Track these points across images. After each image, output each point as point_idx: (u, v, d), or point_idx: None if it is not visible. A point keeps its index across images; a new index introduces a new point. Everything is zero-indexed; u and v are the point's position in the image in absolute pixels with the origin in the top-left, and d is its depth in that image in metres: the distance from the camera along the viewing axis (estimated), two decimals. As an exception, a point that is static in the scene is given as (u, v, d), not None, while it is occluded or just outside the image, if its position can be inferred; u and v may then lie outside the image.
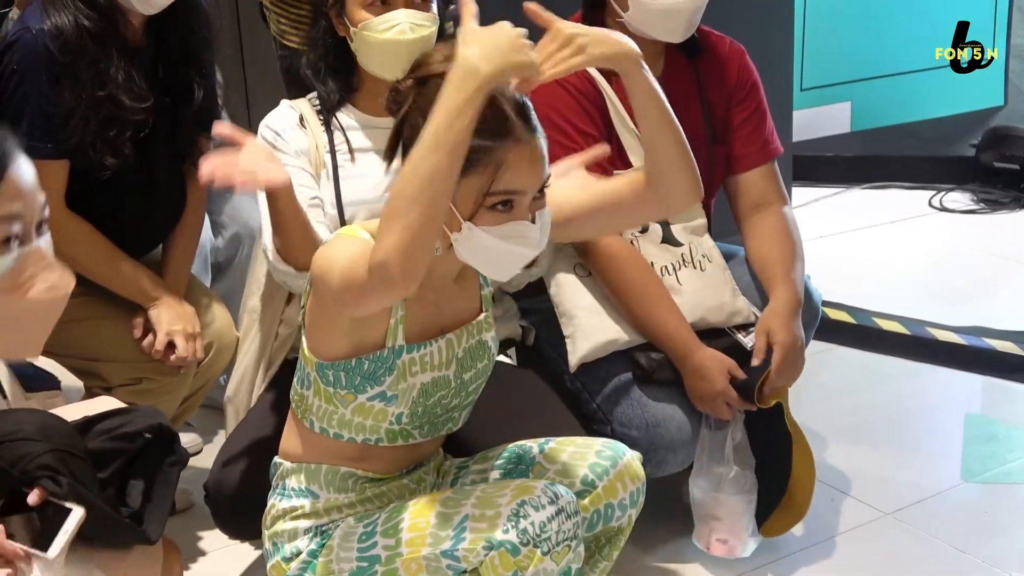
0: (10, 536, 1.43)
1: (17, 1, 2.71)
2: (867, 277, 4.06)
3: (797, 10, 4.32)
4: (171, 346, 2.32)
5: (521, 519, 1.67)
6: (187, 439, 2.83)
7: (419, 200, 1.55)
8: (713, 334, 2.38)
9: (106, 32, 2.22)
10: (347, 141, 2.20)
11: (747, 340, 2.37)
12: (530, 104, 1.70)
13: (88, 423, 1.58)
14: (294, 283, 2.09)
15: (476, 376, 1.88)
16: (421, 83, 1.72)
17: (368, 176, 2.15)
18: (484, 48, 1.57)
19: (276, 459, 1.92)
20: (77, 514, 1.45)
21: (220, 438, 2.72)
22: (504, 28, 1.61)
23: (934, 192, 4.88)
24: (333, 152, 2.20)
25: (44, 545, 1.44)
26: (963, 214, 4.70)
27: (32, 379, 2.27)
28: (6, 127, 1.41)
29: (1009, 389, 3.26)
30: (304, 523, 1.84)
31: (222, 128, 1.99)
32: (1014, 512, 2.68)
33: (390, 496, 1.88)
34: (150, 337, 2.32)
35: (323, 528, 1.84)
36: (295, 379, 1.88)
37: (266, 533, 1.89)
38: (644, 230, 2.40)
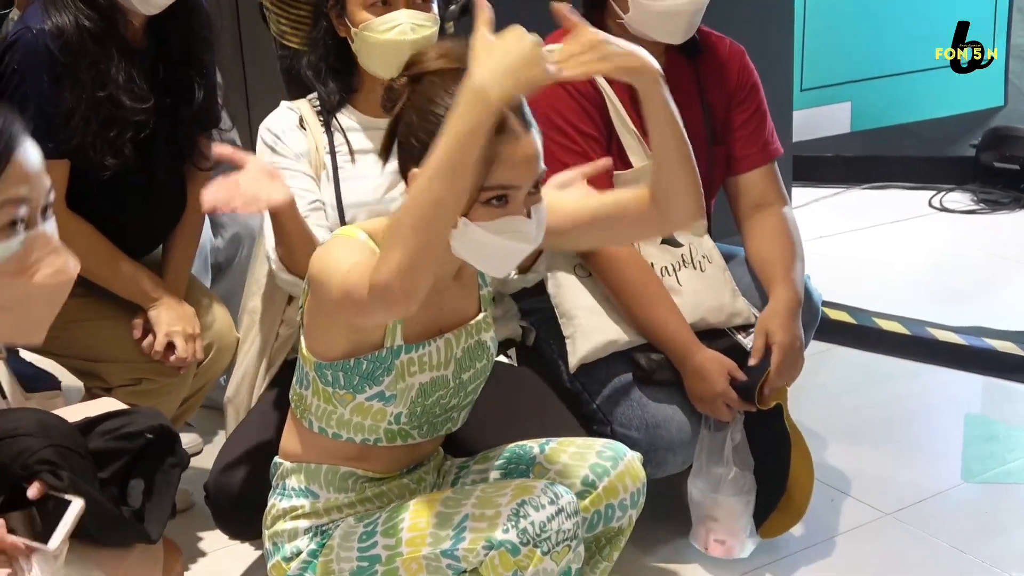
0: (11, 531, 1.43)
1: (17, 2, 2.71)
2: (867, 277, 4.06)
3: (797, 10, 4.32)
4: (171, 347, 2.32)
5: (521, 519, 1.67)
6: (187, 439, 2.83)
7: (425, 223, 1.54)
8: (713, 335, 2.38)
9: (107, 32, 2.22)
10: (347, 142, 2.20)
11: (747, 341, 2.37)
12: (524, 100, 1.70)
13: (89, 424, 1.58)
14: (297, 291, 2.09)
15: (475, 376, 1.88)
16: (415, 80, 1.73)
17: (369, 177, 2.15)
18: (495, 68, 1.54)
19: (276, 459, 1.92)
20: (77, 505, 1.44)
21: (220, 438, 2.72)
22: (517, 39, 1.57)
23: (934, 192, 4.88)
24: (333, 153, 2.20)
25: (44, 538, 1.44)
26: (963, 214, 4.70)
27: (32, 380, 2.27)
28: (12, 112, 1.41)
29: (1009, 389, 3.26)
30: (304, 523, 1.85)
31: (222, 149, 1.99)
32: (1014, 512, 2.68)
33: (390, 496, 1.88)
34: (150, 338, 2.32)
35: (323, 528, 1.84)
36: (294, 379, 1.88)
37: (266, 533, 1.89)
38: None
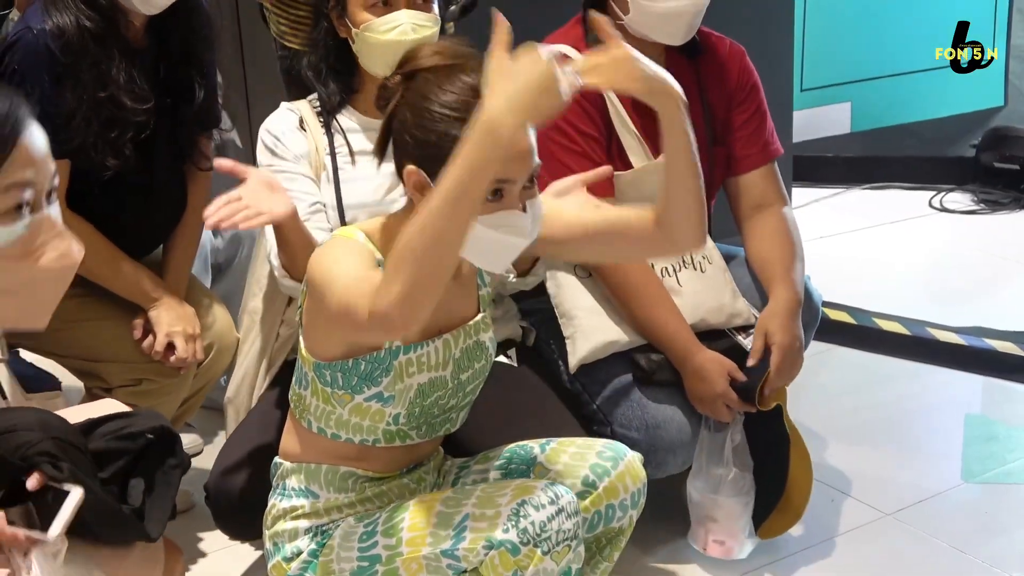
0: (10, 524, 1.43)
1: (17, 3, 2.71)
2: (867, 277, 4.06)
3: (797, 11, 4.32)
4: (171, 347, 2.31)
5: (521, 519, 1.67)
6: (188, 440, 2.83)
7: (428, 253, 1.52)
8: (713, 336, 2.38)
9: (107, 33, 2.22)
10: (347, 143, 2.20)
11: (747, 342, 2.37)
12: None
13: (90, 425, 1.58)
14: (298, 294, 2.09)
15: (473, 377, 1.88)
16: (409, 78, 1.73)
17: (369, 179, 2.15)
18: (509, 99, 1.50)
19: (276, 459, 1.92)
20: (76, 494, 1.44)
21: (220, 439, 2.72)
22: (532, 65, 1.52)
23: (934, 192, 4.88)
24: (333, 154, 2.20)
25: (44, 529, 1.44)
26: (963, 214, 4.70)
27: (33, 380, 2.27)
28: (19, 96, 1.41)
29: (1009, 389, 3.26)
30: (304, 523, 1.85)
31: (223, 162, 2.00)
32: (1014, 512, 2.69)
33: (390, 496, 1.88)
34: (150, 338, 2.32)
35: (323, 528, 1.84)
36: (293, 379, 1.89)
37: (267, 533, 1.89)
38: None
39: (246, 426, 2.23)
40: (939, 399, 3.27)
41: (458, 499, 1.75)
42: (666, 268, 2.39)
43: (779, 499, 2.37)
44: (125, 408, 1.69)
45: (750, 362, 2.31)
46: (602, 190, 2.24)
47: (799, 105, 4.50)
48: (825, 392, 3.22)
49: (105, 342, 2.33)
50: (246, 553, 2.43)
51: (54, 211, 1.42)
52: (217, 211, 1.89)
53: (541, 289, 2.40)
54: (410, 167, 1.71)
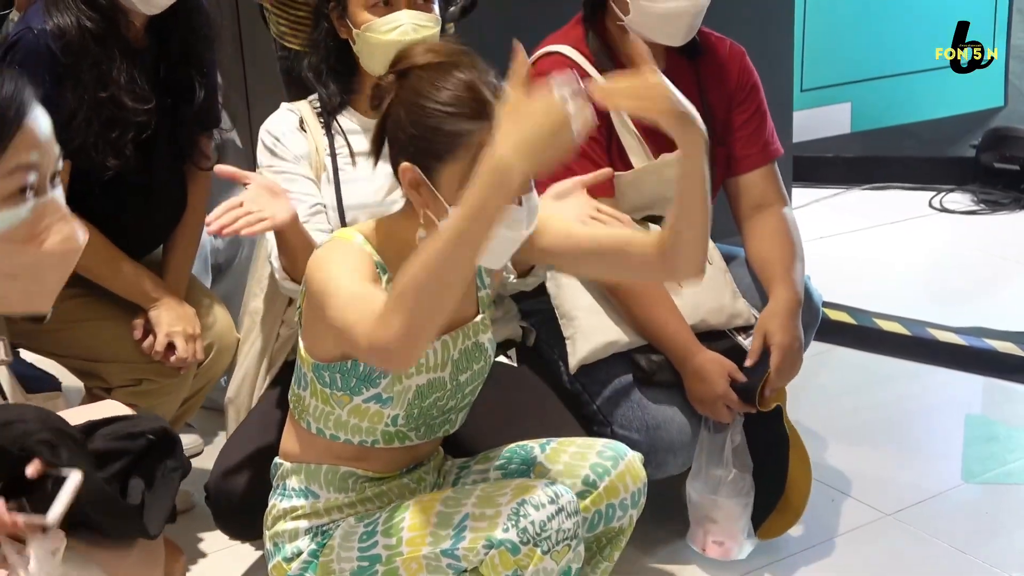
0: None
1: (17, 3, 2.71)
2: (867, 278, 4.06)
3: (797, 11, 4.32)
4: (171, 347, 2.32)
5: (521, 518, 1.67)
6: (188, 440, 2.83)
7: (430, 291, 1.51)
8: (713, 336, 2.38)
9: (108, 33, 2.22)
10: (348, 144, 2.20)
11: (747, 342, 2.37)
12: (504, 87, 1.71)
13: (92, 427, 1.58)
14: (299, 297, 2.09)
15: (472, 378, 1.88)
16: (402, 76, 1.73)
17: (369, 180, 2.15)
18: (521, 144, 1.48)
19: (276, 460, 1.92)
20: (75, 478, 1.43)
21: (221, 439, 2.72)
22: (548, 110, 1.50)
23: (934, 193, 4.88)
24: (334, 155, 2.20)
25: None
26: (963, 215, 4.70)
27: (33, 380, 2.27)
28: (23, 78, 1.41)
29: (1009, 390, 3.26)
30: (305, 523, 1.85)
31: (224, 170, 2.01)
32: (1014, 513, 2.69)
33: (390, 496, 1.88)
34: (150, 338, 2.32)
35: (324, 528, 1.84)
36: (293, 380, 1.89)
37: (267, 533, 1.89)
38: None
39: (246, 426, 2.23)
40: (939, 399, 3.27)
41: (458, 499, 1.75)
42: (666, 268, 2.38)
43: (778, 500, 2.37)
44: (126, 410, 1.69)
45: (748, 362, 2.31)
46: (603, 191, 2.24)
47: (799, 105, 4.50)
48: (825, 392, 3.22)
49: (105, 342, 2.33)
50: (246, 553, 2.43)
51: (58, 195, 1.42)
52: (218, 218, 1.90)
53: (541, 289, 2.40)
54: (405, 164, 1.72)
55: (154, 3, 2.23)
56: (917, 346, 3.46)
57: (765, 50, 3.13)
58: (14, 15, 2.70)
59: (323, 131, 2.21)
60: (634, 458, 1.92)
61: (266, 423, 2.17)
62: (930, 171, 5.01)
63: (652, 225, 2.41)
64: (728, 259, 2.48)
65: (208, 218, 1.91)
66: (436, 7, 2.18)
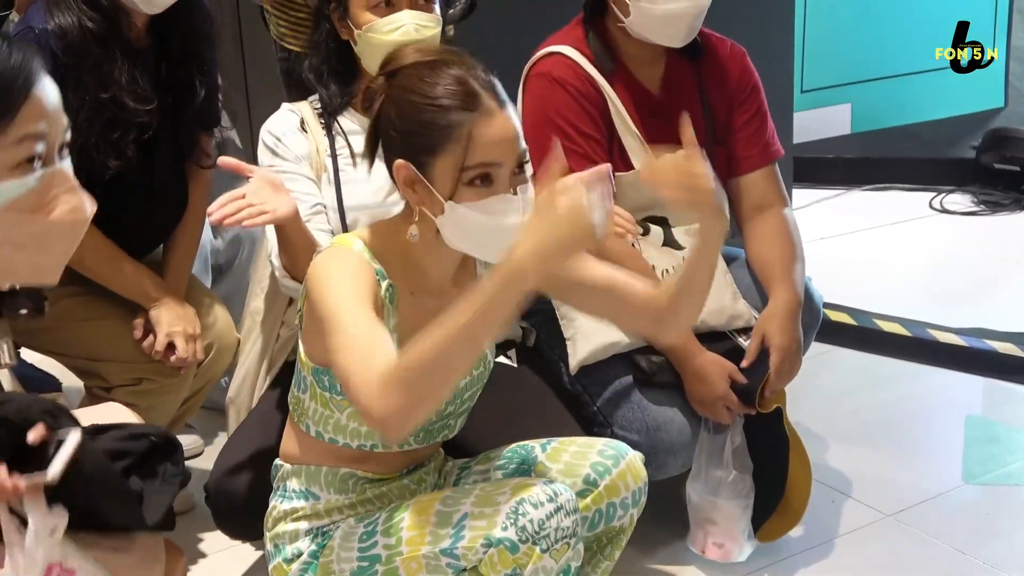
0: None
1: (17, 5, 2.71)
2: (868, 279, 4.06)
3: (797, 12, 4.32)
4: (171, 347, 2.31)
5: (520, 516, 1.67)
6: (188, 440, 2.83)
7: (434, 374, 1.52)
8: (714, 337, 2.37)
9: (109, 33, 2.22)
10: (348, 145, 2.20)
11: (747, 343, 2.36)
12: (497, 82, 1.73)
13: (95, 430, 1.58)
14: (298, 295, 2.09)
15: (471, 384, 1.88)
16: (391, 76, 1.75)
17: (370, 180, 2.15)
18: (542, 250, 1.49)
19: (276, 461, 1.92)
20: (75, 436, 1.42)
21: (221, 440, 2.72)
22: (575, 216, 1.49)
23: (935, 194, 4.88)
24: (334, 156, 2.20)
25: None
26: (964, 216, 4.70)
27: (33, 381, 2.27)
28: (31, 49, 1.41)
29: (1010, 391, 3.26)
30: (305, 524, 1.85)
31: (227, 161, 2.01)
32: (1015, 514, 2.68)
33: (390, 496, 1.88)
34: (150, 338, 2.32)
35: (324, 529, 1.84)
36: (292, 382, 1.89)
37: (268, 535, 1.89)
38: (645, 232, 2.40)
39: (246, 427, 2.23)
40: (940, 400, 3.27)
41: (457, 498, 1.75)
42: (667, 270, 2.38)
43: (778, 502, 2.37)
44: (129, 413, 1.69)
45: (744, 363, 2.31)
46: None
47: (799, 106, 4.49)
48: (826, 393, 3.22)
49: (105, 341, 2.33)
50: (247, 554, 2.43)
51: (66, 165, 1.42)
52: (221, 208, 1.90)
53: (542, 290, 2.39)
54: (399, 162, 1.72)
55: (156, 2, 2.23)
56: (917, 347, 3.46)
57: (765, 51, 3.13)
58: (14, 16, 2.70)
59: (324, 132, 2.21)
60: (635, 457, 1.92)
61: (266, 424, 2.17)
62: (930, 172, 5.01)
63: (652, 226, 2.41)
64: (729, 260, 2.48)
65: (210, 208, 1.91)
66: (437, 7, 2.18)
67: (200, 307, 2.42)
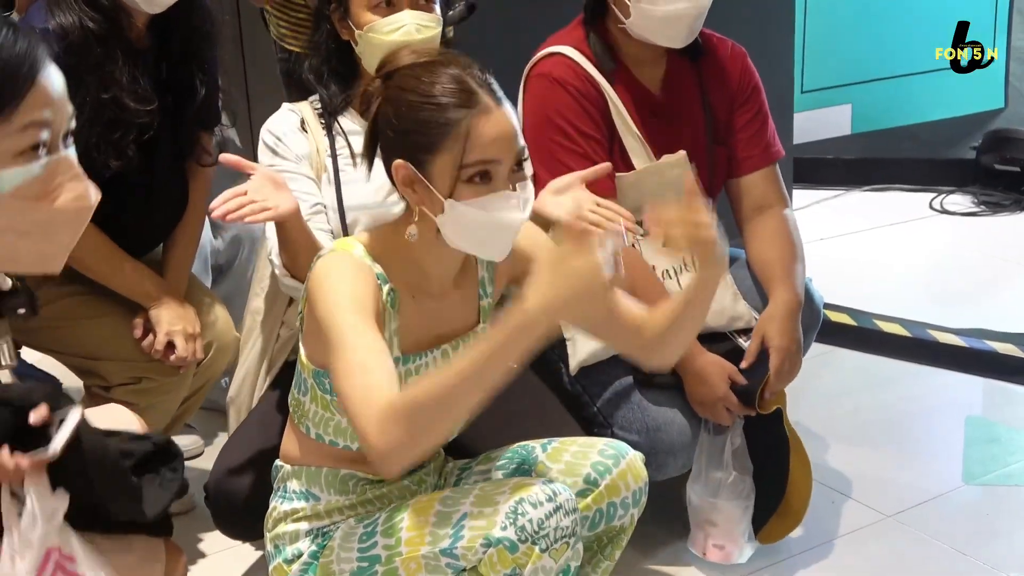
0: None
1: (17, 5, 2.71)
2: (868, 279, 4.06)
3: (798, 12, 4.32)
4: (171, 346, 2.31)
5: (519, 516, 1.67)
6: (188, 441, 2.83)
7: (437, 413, 1.54)
8: (714, 338, 2.37)
9: (110, 34, 2.21)
10: (348, 145, 2.20)
11: (748, 344, 2.36)
12: (494, 80, 1.73)
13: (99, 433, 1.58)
14: (298, 294, 2.09)
15: None
16: (388, 78, 1.75)
17: (370, 181, 2.15)
18: (554, 302, 1.51)
19: (277, 462, 1.92)
20: (76, 414, 1.43)
21: (221, 440, 2.72)
22: (590, 272, 1.51)
23: (935, 194, 4.88)
24: (334, 156, 2.20)
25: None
26: (964, 216, 4.70)
27: (33, 381, 2.26)
28: (37, 35, 1.41)
29: (1010, 391, 3.26)
30: (305, 525, 1.85)
31: (229, 157, 2.01)
32: (1015, 514, 2.68)
33: (391, 497, 1.88)
34: (150, 337, 2.32)
35: (324, 530, 1.84)
36: (293, 384, 1.89)
37: (268, 535, 1.89)
38: (646, 233, 2.39)
39: (246, 427, 2.23)
40: (940, 401, 3.27)
41: (456, 498, 1.74)
42: (667, 271, 2.38)
43: (779, 503, 2.37)
44: (130, 414, 1.69)
45: (743, 364, 2.30)
46: (605, 191, 2.24)
47: (799, 107, 4.50)
48: (826, 394, 3.22)
49: (105, 340, 2.33)
50: (247, 554, 2.43)
51: (71, 153, 1.42)
52: (223, 204, 1.90)
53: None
54: (398, 162, 1.73)
55: (157, 2, 2.22)
56: (918, 347, 3.46)
57: (765, 51, 3.13)
58: (14, 16, 2.70)
59: (324, 132, 2.21)
60: (635, 457, 1.92)
61: (266, 424, 2.17)
62: (930, 173, 5.02)
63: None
64: (729, 261, 2.47)
65: (213, 204, 1.91)
66: (437, 7, 2.18)
67: (200, 306, 2.42)
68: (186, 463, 1.69)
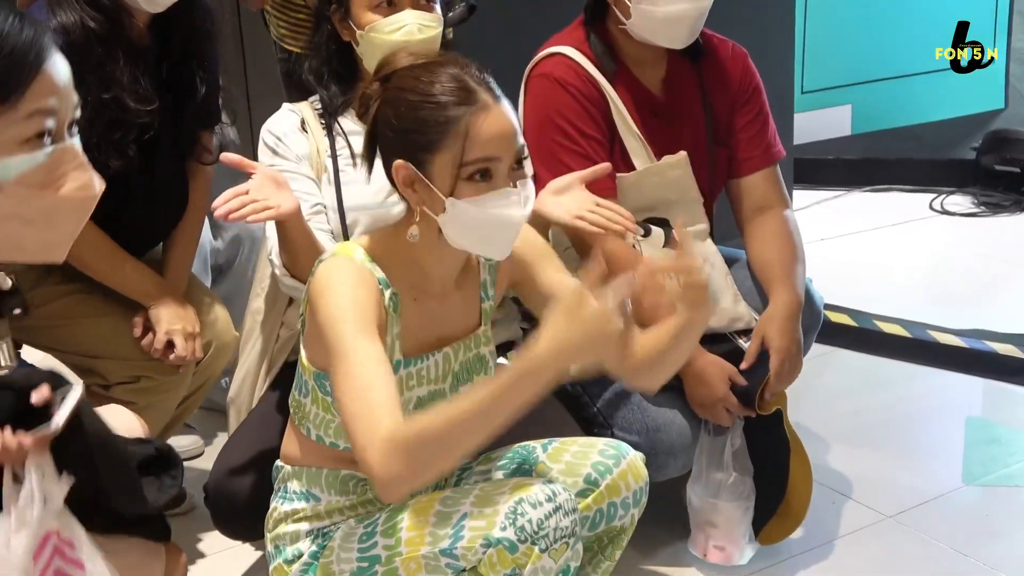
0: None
1: (18, 5, 2.71)
2: (868, 280, 4.06)
3: (798, 13, 4.32)
4: (170, 345, 2.31)
5: (519, 516, 1.67)
6: (188, 441, 2.83)
7: (441, 451, 1.55)
8: (714, 339, 2.37)
9: (111, 34, 2.21)
10: (348, 146, 2.20)
11: (748, 345, 2.36)
12: (492, 79, 1.74)
13: None
14: (298, 295, 2.09)
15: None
16: (386, 80, 1.75)
17: (370, 181, 2.15)
18: (562, 349, 1.53)
19: (277, 463, 1.92)
20: (78, 389, 1.42)
21: (221, 440, 2.72)
22: (602, 322, 1.53)
23: (935, 195, 4.88)
24: (335, 156, 2.20)
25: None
26: (964, 217, 4.71)
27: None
28: (42, 24, 1.41)
29: (1010, 392, 3.26)
30: (306, 526, 1.85)
31: (230, 156, 2.01)
32: (1015, 515, 2.68)
33: (391, 498, 1.88)
34: (150, 336, 2.32)
35: (324, 530, 1.84)
36: (294, 385, 1.88)
37: (268, 536, 1.89)
38: (647, 234, 2.39)
39: (246, 427, 2.23)
40: (940, 401, 3.27)
41: (456, 498, 1.74)
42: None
43: (779, 504, 2.37)
44: (131, 415, 1.69)
45: (743, 365, 2.30)
46: (602, 187, 2.24)
47: (800, 107, 4.50)
48: (826, 394, 3.22)
49: (104, 339, 2.33)
50: (247, 554, 2.43)
51: (76, 142, 1.42)
52: (225, 203, 1.90)
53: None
54: (398, 162, 1.73)
55: (158, 1, 2.22)
56: (918, 348, 3.46)
57: (766, 52, 3.13)
58: (15, 15, 2.70)
59: (324, 132, 2.21)
60: (636, 457, 1.91)
61: (266, 424, 2.17)
62: (931, 173, 5.02)
63: (654, 228, 2.41)
64: (730, 262, 2.48)
65: (215, 203, 1.90)
66: (438, 7, 2.18)
67: (200, 306, 2.42)
68: (186, 463, 1.69)
